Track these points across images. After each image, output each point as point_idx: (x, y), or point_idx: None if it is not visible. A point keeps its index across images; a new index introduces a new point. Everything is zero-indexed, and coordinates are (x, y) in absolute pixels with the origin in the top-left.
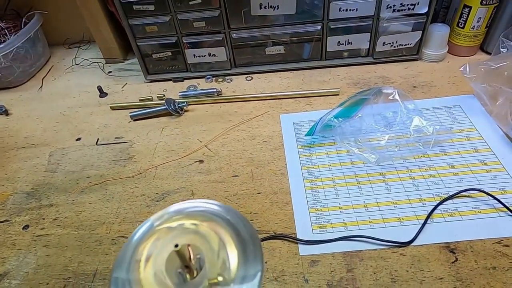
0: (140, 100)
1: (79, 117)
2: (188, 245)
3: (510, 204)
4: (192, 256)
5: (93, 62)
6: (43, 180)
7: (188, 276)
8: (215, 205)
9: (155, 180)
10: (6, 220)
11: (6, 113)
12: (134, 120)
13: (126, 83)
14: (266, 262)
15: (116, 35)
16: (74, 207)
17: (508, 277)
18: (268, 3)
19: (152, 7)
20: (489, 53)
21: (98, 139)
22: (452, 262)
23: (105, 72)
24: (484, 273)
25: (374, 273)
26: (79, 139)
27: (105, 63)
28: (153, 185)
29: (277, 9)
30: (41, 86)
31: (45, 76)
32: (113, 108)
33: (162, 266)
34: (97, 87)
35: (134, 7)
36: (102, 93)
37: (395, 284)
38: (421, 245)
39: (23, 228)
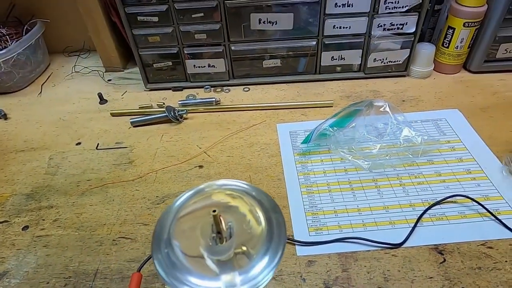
0: (140, 108)
1: (78, 123)
2: (220, 215)
3: (493, 210)
4: (224, 225)
5: (93, 70)
6: (42, 183)
7: (219, 241)
8: (245, 185)
9: (155, 184)
10: (6, 221)
11: (5, 117)
12: (134, 127)
13: (126, 91)
14: None
15: (117, 44)
16: (75, 209)
17: (492, 277)
18: (267, 18)
19: (156, 19)
20: (472, 72)
21: (98, 143)
22: (441, 263)
23: (105, 80)
24: (470, 273)
25: (368, 273)
26: (79, 143)
27: (105, 72)
28: (154, 189)
29: (275, 24)
30: (40, 92)
31: (44, 82)
32: (113, 115)
33: (198, 229)
34: (98, 94)
35: (139, 18)
36: (102, 100)
37: (387, 283)
38: (412, 246)
39: (23, 229)
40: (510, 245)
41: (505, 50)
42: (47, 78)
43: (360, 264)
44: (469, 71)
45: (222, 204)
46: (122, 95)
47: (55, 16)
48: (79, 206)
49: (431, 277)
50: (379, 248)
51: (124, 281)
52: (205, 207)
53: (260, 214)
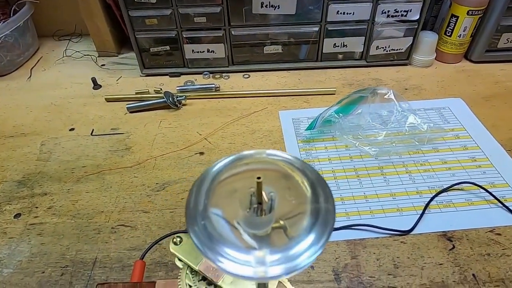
0: (137, 93)
1: (71, 108)
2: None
3: (500, 197)
4: (265, 195)
5: (85, 55)
6: (34, 169)
7: (259, 213)
8: (288, 155)
9: (154, 171)
10: None
11: None
12: (131, 112)
13: (121, 76)
14: None
15: (111, 28)
16: (70, 196)
17: (502, 263)
18: (269, 2)
19: (154, 0)
20: (473, 61)
21: (93, 129)
22: (450, 249)
23: (98, 65)
24: (479, 259)
25: (377, 260)
26: (72, 129)
27: (98, 56)
28: (153, 176)
29: (278, 8)
30: (30, 76)
31: (33, 66)
32: (108, 100)
33: (236, 197)
34: (91, 78)
35: None
36: (96, 85)
37: (397, 270)
38: (420, 233)
39: (15, 217)
40: None
41: (507, 40)
42: (37, 62)
43: (369, 251)
44: (470, 60)
45: (265, 171)
46: (116, 81)
47: None
48: (75, 193)
49: (441, 264)
50: (388, 235)
51: (125, 269)
52: (247, 172)
53: (307, 186)
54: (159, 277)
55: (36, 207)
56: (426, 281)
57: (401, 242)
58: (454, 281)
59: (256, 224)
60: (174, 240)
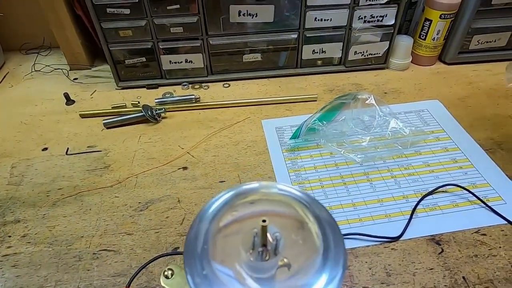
0: (113, 107)
1: (44, 126)
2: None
3: (483, 197)
4: (270, 236)
5: (55, 69)
6: (5, 195)
7: (263, 256)
8: (298, 192)
9: (136, 189)
10: None
11: None
12: (108, 128)
13: (95, 90)
14: None
15: (82, 40)
16: (46, 222)
17: (489, 263)
18: (247, 10)
19: (127, 11)
20: (447, 63)
21: (68, 148)
22: (439, 253)
23: (70, 79)
24: (468, 261)
25: (370, 269)
26: (45, 149)
27: (70, 70)
28: (135, 194)
29: (256, 17)
30: None
31: (0, 83)
32: (82, 116)
33: (239, 240)
34: (64, 94)
35: (108, 10)
36: (69, 101)
37: (390, 278)
38: (410, 239)
39: None
40: (501, 231)
41: (477, 41)
42: (3, 78)
43: (361, 260)
44: (444, 62)
45: (269, 212)
46: (91, 95)
47: (10, 9)
48: (51, 218)
49: (431, 269)
50: (378, 243)
51: None
52: (251, 215)
53: (315, 226)
54: None
55: (9, 236)
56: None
57: (392, 249)
58: (445, 285)
59: (260, 268)
60: (166, 273)
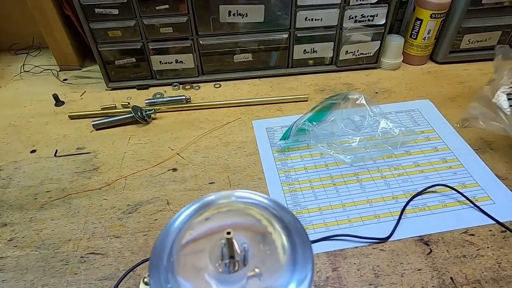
0: (103, 109)
1: (32, 128)
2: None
3: (471, 197)
4: (238, 247)
5: (45, 69)
6: None
7: (231, 267)
8: (264, 198)
9: (125, 191)
10: None
11: None
12: (97, 130)
13: (85, 91)
14: None
15: (72, 40)
16: (33, 225)
17: (477, 263)
18: (237, 10)
19: (116, 11)
20: (438, 63)
21: (56, 150)
22: (428, 254)
23: (60, 80)
24: (456, 262)
25: (358, 270)
26: (34, 151)
27: (59, 70)
28: (124, 197)
29: (246, 17)
30: None
31: None
32: (72, 117)
33: (206, 253)
34: (53, 95)
35: (96, 10)
36: (58, 102)
37: (378, 279)
38: (398, 239)
39: None
40: (490, 231)
41: (468, 41)
42: None
43: (350, 261)
44: (436, 62)
45: (234, 223)
46: (81, 96)
47: None
48: (38, 222)
49: (419, 269)
50: (367, 244)
51: None
52: (215, 228)
53: (280, 233)
54: None
55: None
56: None
57: (380, 250)
58: (433, 286)
59: (229, 280)
60: (145, 280)
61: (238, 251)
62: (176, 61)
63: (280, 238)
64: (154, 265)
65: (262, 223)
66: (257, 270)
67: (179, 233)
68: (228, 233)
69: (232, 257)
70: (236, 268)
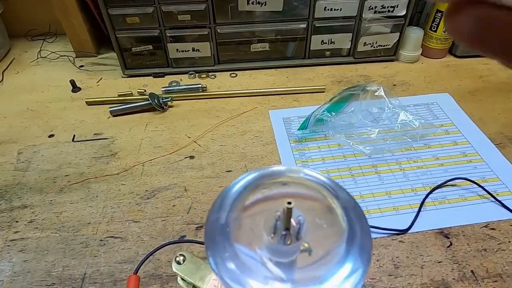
0: (119, 95)
1: (50, 113)
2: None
3: (492, 191)
4: (293, 220)
5: (61, 56)
6: (12, 180)
7: (285, 240)
8: (325, 178)
9: (143, 177)
10: None
11: None
12: (114, 116)
13: (101, 78)
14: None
15: (89, 27)
16: (53, 208)
17: (498, 258)
18: None
19: None
20: (457, 56)
21: (74, 135)
22: (448, 247)
23: (76, 66)
24: (477, 255)
25: (378, 261)
26: (52, 135)
27: (76, 57)
28: (142, 182)
29: (264, 5)
30: (2, 80)
31: (6, 69)
32: (89, 103)
33: (261, 223)
34: (70, 81)
35: None
36: (75, 88)
37: (398, 270)
38: (418, 232)
39: None
40: (511, 225)
41: None
42: (9, 65)
43: None
44: (455, 55)
45: (294, 194)
46: (97, 82)
47: None
48: (58, 205)
49: (439, 262)
50: (386, 235)
51: (117, 284)
52: (278, 196)
53: (340, 212)
54: None
55: (16, 222)
56: (427, 280)
57: (400, 241)
58: (454, 279)
59: (281, 252)
60: (177, 259)
61: (294, 223)
62: (193, 49)
63: (340, 216)
64: (209, 232)
65: (326, 199)
66: (306, 245)
67: (239, 197)
68: (289, 203)
69: (287, 228)
70: (289, 242)
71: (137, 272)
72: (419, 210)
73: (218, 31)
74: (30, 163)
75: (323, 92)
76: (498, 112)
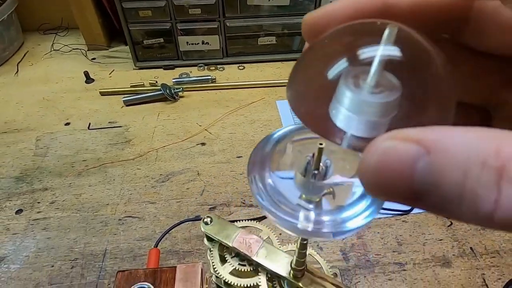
0: (132, 86)
1: (65, 102)
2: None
3: None
4: (322, 163)
5: (74, 49)
6: (32, 165)
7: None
8: None
9: (157, 162)
10: None
11: None
12: (127, 105)
13: (114, 70)
14: None
15: (101, 21)
16: (72, 190)
17: (496, 236)
18: None
19: None
20: None
21: (89, 123)
22: (448, 226)
23: (89, 59)
24: (476, 234)
25: (382, 238)
26: (68, 123)
27: (87, 50)
28: (156, 167)
29: (272, 0)
30: (17, 71)
31: (20, 61)
32: (102, 94)
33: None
34: (84, 72)
35: None
36: (89, 79)
37: (401, 247)
38: (420, 212)
39: (16, 213)
40: None
41: None
42: (23, 57)
43: (374, 231)
44: None
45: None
46: (109, 74)
47: None
48: (77, 187)
49: (440, 240)
50: (390, 215)
51: (137, 259)
52: (307, 140)
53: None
54: (172, 265)
55: (38, 202)
56: (429, 256)
57: (403, 221)
58: (454, 255)
59: (311, 191)
60: (205, 220)
61: (322, 165)
62: (203, 42)
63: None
64: (253, 157)
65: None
66: (331, 189)
67: (286, 136)
68: (321, 144)
69: (317, 169)
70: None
71: (157, 246)
72: None
73: (227, 24)
74: (48, 149)
75: None
76: None
